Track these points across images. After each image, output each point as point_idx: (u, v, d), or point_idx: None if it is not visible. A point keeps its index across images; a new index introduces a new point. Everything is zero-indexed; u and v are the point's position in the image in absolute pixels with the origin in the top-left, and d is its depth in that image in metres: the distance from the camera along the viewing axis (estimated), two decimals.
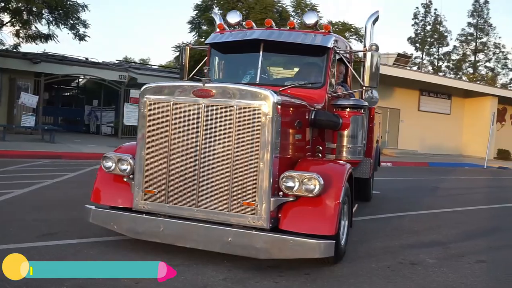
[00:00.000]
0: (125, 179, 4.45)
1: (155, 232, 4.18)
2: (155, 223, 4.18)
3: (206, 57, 6.07)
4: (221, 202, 4.03)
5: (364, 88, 5.68)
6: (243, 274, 3.97)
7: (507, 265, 4.90)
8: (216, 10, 21.12)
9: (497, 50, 58.54)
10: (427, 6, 60.11)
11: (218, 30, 6.09)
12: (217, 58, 6.05)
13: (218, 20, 6.87)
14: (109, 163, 4.45)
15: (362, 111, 5.35)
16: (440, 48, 58.71)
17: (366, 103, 5.48)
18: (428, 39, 57.71)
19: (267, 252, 3.91)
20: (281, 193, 3.99)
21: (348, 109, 5.28)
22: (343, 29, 20.14)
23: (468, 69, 60.25)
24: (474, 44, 58.83)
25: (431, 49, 58.55)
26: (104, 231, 4.64)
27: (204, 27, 21.35)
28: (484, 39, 58.61)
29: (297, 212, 4.00)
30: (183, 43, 21.62)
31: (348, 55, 6.26)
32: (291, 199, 3.99)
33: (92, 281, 3.61)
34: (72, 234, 4.83)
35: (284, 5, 21.30)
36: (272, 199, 3.93)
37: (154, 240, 4.24)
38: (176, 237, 4.14)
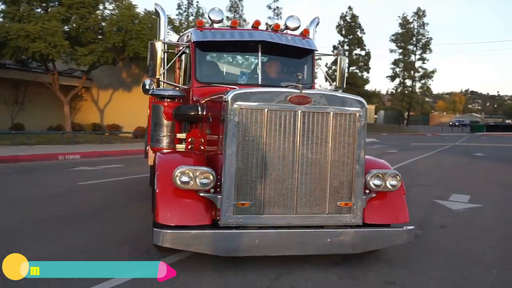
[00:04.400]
0: (201, 194, 4.04)
1: (250, 246, 3.99)
2: (250, 236, 3.99)
3: (192, 55, 5.65)
4: (319, 206, 4.14)
5: (335, 88, 6.33)
6: (341, 270, 4.22)
7: None
8: None
9: None
10: None
11: (197, 26, 5.77)
12: (203, 56, 5.72)
13: (161, 13, 6.43)
14: (185, 178, 3.95)
15: None
16: None
17: None
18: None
19: (363, 246, 4.25)
20: (367, 191, 4.35)
21: None
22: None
23: None
24: None
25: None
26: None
27: (3, 6, 17.97)
28: None
29: (378, 206, 4.41)
30: None
31: None
32: (373, 195, 4.39)
33: None
34: None
35: None
36: (364, 197, 4.28)
37: (247, 255, 4.06)
38: (272, 247, 4.05)
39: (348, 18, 66.42)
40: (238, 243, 3.98)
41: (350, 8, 66.73)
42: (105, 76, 23.49)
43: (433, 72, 66.95)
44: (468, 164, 15.99)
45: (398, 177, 4.39)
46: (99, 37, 19.14)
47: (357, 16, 66.35)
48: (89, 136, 20.80)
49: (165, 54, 6.04)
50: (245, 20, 67.36)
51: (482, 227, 6.26)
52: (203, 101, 5.11)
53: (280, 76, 6.01)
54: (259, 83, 5.52)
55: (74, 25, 17.75)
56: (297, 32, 6.05)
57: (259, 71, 5.57)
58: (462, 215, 7.08)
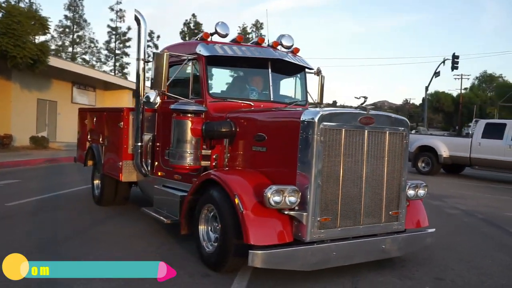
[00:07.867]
0: (286, 212, 4.12)
1: (328, 258, 4.23)
2: (329, 249, 4.22)
3: (202, 69, 5.49)
4: (377, 215, 4.58)
5: (318, 104, 6.82)
6: (391, 272, 4.72)
7: None
8: None
9: (92, 44, 63.08)
10: None
11: (204, 39, 5.65)
12: (214, 71, 5.64)
13: (142, 21, 6.09)
14: (278, 198, 4.01)
15: None
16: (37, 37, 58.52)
17: None
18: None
19: (403, 250, 4.84)
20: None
21: None
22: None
23: (67, 59, 61.95)
24: (72, 36, 61.19)
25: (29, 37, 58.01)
26: None
27: None
28: (81, 33, 61.92)
29: (411, 213, 5.02)
30: None
31: None
32: (408, 203, 4.98)
33: None
34: None
35: None
36: (405, 205, 4.85)
37: (325, 267, 4.27)
38: (345, 257, 4.35)
39: (192, 25, 67.31)
40: (319, 257, 4.17)
41: (194, 15, 67.53)
42: None
43: None
44: None
45: (426, 187, 5.08)
46: None
47: (201, 24, 67.54)
48: None
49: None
50: (85, 21, 63.26)
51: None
52: (232, 117, 5.10)
53: (283, 92, 6.28)
54: (271, 99, 5.70)
55: None
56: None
57: (270, 88, 5.73)
58: None
